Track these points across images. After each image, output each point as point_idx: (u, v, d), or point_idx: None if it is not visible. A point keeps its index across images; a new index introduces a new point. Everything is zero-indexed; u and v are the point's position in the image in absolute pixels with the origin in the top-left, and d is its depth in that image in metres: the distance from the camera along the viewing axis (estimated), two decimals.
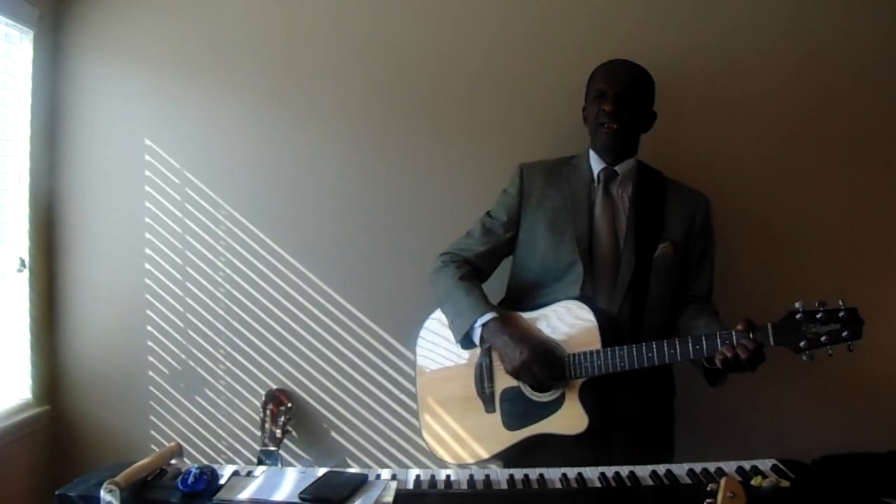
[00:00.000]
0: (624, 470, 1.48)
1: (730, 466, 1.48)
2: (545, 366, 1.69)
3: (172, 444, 1.60)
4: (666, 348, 1.63)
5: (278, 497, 1.38)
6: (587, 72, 1.92)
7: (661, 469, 1.47)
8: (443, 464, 2.16)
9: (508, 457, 1.79)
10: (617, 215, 1.84)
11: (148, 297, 2.30)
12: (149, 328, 2.31)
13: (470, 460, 1.81)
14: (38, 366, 2.24)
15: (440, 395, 1.89)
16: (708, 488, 1.23)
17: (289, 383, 2.29)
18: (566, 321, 1.75)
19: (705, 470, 1.46)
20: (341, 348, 2.28)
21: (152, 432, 2.30)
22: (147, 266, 2.30)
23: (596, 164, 1.87)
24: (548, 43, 2.23)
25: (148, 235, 2.30)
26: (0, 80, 2.13)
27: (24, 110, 2.20)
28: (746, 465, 1.48)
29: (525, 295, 1.88)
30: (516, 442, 1.77)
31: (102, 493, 1.32)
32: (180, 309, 2.31)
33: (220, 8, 2.30)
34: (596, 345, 1.70)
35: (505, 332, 1.73)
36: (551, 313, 1.78)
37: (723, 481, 1.19)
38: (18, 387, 2.20)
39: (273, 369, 2.30)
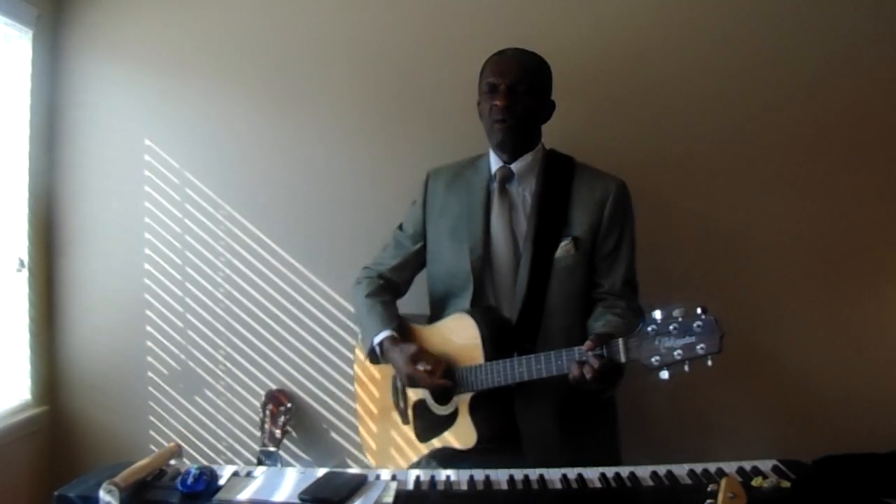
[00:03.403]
0: (624, 470, 1.47)
1: (730, 467, 1.47)
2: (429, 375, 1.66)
3: (172, 444, 1.59)
4: (534, 364, 1.55)
5: (278, 497, 1.38)
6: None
7: (662, 469, 1.47)
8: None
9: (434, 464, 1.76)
10: (515, 216, 1.75)
11: (147, 297, 2.30)
12: (148, 328, 2.30)
13: (403, 465, 1.80)
14: (37, 366, 2.24)
15: (370, 406, 1.92)
16: (708, 489, 1.23)
17: (289, 383, 2.29)
18: (457, 334, 1.70)
19: (706, 470, 1.46)
20: (341, 348, 2.28)
21: (152, 432, 2.30)
22: (147, 266, 2.30)
23: (494, 164, 1.79)
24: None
25: (148, 235, 2.30)
26: None
27: (23, 110, 2.19)
28: (747, 465, 1.47)
29: (440, 304, 1.84)
30: (427, 454, 1.75)
31: (102, 494, 1.31)
32: (180, 309, 2.30)
33: (220, 8, 2.29)
34: (479, 359, 1.64)
35: (396, 349, 1.71)
36: (446, 326, 1.74)
37: (723, 482, 1.18)
38: (18, 387, 2.19)
39: (273, 369, 2.30)
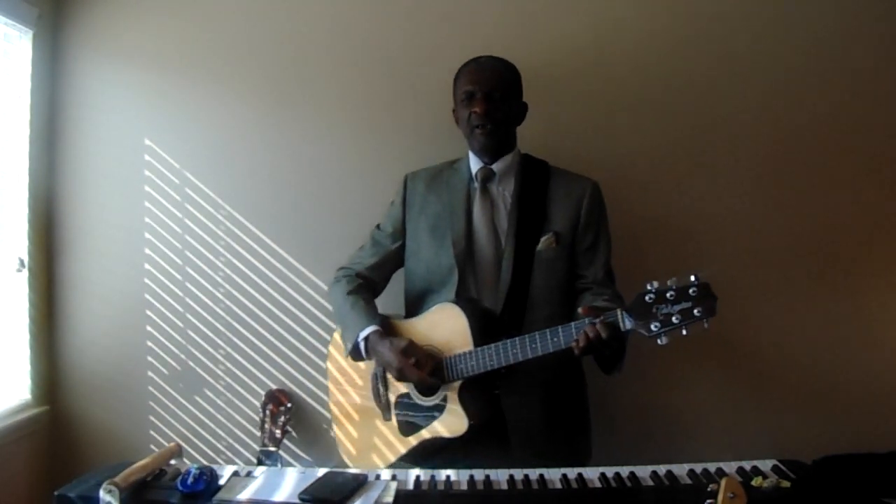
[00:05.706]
0: (624, 470, 1.48)
1: (730, 467, 1.47)
2: (418, 369, 1.69)
3: (172, 444, 1.60)
4: (528, 343, 1.60)
5: (278, 497, 1.38)
6: None
7: (662, 469, 1.47)
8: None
9: (414, 462, 1.76)
10: (497, 213, 1.83)
11: (147, 297, 2.30)
12: (148, 328, 2.30)
13: (381, 465, 1.81)
14: (37, 366, 2.24)
15: (346, 405, 1.94)
16: (709, 489, 1.23)
17: (289, 383, 2.29)
18: (443, 324, 1.75)
19: (706, 470, 1.46)
20: None
21: (152, 432, 2.30)
22: (147, 266, 2.30)
23: (474, 165, 1.88)
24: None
25: (147, 235, 2.30)
26: None
27: (23, 110, 2.19)
28: (747, 465, 1.48)
29: (417, 302, 1.89)
30: (412, 447, 1.76)
31: (102, 494, 1.32)
32: (180, 309, 2.30)
33: (220, 8, 2.29)
34: (468, 346, 1.69)
35: (384, 342, 1.75)
36: (430, 317, 1.79)
37: (723, 482, 1.19)
38: (18, 387, 2.19)
39: (273, 369, 2.29)
